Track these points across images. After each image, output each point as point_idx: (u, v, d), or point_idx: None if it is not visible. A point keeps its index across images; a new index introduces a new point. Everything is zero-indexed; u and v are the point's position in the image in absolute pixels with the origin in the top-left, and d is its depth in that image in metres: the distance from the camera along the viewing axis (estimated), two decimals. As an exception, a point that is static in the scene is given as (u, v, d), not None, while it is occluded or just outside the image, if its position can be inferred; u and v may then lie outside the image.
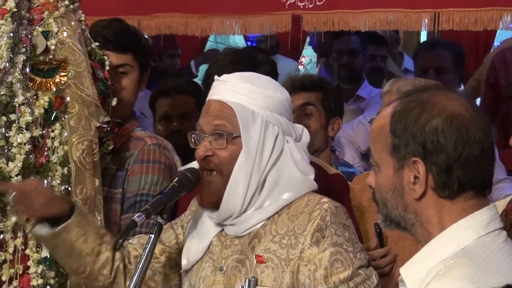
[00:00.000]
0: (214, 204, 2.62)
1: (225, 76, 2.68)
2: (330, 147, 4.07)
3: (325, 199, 2.60)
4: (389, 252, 3.48)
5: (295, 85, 3.96)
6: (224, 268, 2.62)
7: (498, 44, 6.66)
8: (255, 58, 3.21)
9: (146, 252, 2.49)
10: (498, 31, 5.68)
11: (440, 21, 4.33)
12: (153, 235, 2.50)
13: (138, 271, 2.47)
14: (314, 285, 2.52)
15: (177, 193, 2.60)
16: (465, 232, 1.95)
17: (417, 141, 1.95)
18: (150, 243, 2.50)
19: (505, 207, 2.72)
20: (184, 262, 2.71)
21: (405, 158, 1.97)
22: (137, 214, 2.47)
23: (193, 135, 2.66)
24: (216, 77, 2.71)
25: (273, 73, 3.22)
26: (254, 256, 2.59)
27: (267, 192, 2.62)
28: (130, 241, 2.79)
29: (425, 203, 1.98)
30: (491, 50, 6.84)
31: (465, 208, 1.97)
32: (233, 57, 3.26)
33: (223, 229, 2.68)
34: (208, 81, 3.03)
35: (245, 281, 2.56)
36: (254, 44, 6.82)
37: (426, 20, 4.41)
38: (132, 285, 2.44)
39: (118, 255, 2.72)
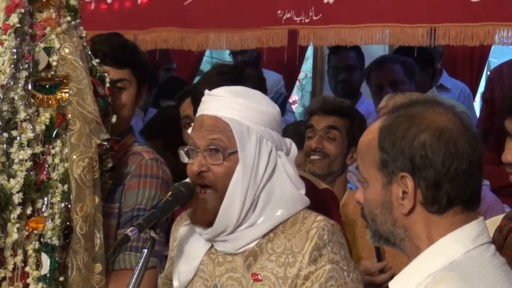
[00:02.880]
0: (208, 222, 2.61)
1: (216, 91, 2.67)
2: (346, 174, 4.08)
3: (321, 217, 2.60)
4: (387, 267, 3.48)
5: (325, 107, 4.00)
6: (219, 286, 2.61)
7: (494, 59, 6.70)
8: (241, 72, 3.21)
9: (139, 267, 2.49)
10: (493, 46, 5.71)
11: (437, 36, 4.34)
12: (146, 250, 2.50)
13: (131, 285, 2.46)
14: None
15: (170, 208, 2.59)
16: (454, 246, 1.96)
17: (406, 156, 1.96)
18: (143, 258, 2.50)
19: (499, 223, 2.73)
20: (175, 284, 2.69)
21: (394, 173, 1.98)
22: (130, 229, 2.47)
23: (184, 150, 2.65)
24: (206, 91, 2.70)
25: (260, 88, 3.20)
26: (250, 274, 2.57)
27: (261, 208, 2.61)
28: None
29: (414, 218, 1.98)
30: (486, 65, 6.88)
31: (454, 223, 1.97)
32: (220, 69, 3.25)
33: (212, 246, 2.66)
34: (195, 93, 3.03)
35: None
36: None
37: (423, 35, 4.41)
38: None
39: None
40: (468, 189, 1.97)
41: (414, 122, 1.98)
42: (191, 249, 2.70)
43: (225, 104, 2.61)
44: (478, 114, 6.27)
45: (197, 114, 2.67)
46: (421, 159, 1.94)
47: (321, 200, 3.31)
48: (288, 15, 4.78)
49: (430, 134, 1.95)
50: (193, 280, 2.67)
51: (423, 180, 1.95)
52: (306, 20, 4.72)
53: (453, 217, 1.97)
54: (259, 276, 2.56)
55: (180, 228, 2.74)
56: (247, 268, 2.59)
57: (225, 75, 3.10)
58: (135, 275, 2.47)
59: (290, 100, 7.08)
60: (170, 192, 2.59)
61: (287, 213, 2.61)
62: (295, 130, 4.67)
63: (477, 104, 7.08)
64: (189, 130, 2.72)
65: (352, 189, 4.14)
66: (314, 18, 4.70)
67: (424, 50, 5.46)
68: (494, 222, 2.75)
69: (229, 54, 6.87)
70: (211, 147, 2.58)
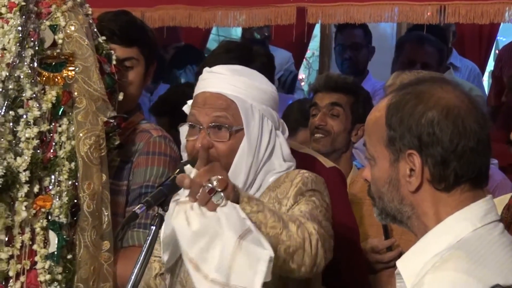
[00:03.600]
0: None
1: (217, 68, 2.68)
2: (351, 151, 4.07)
3: (305, 170, 2.66)
4: (394, 245, 3.48)
5: (329, 84, 3.98)
6: None
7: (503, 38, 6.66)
8: (250, 50, 3.20)
9: (148, 244, 2.48)
10: (501, 24, 5.68)
11: (446, 14, 4.33)
12: (154, 227, 2.49)
13: (139, 263, 2.46)
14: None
15: (178, 185, 2.58)
16: (461, 224, 1.95)
17: (413, 133, 1.95)
18: (151, 235, 2.49)
19: (507, 201, 2.73)
20: (165, 259, 2.67)
21: (401, 150, 1.97)
22: (138, 206, 2.46)
23: (185, 126, 2.65)
24: (206, 68, 2.71)
25: (269, 66, 3.21)
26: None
27: (258, 185, 2.66)
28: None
29: (421, 196, 1.98)
30: (494, 43, 6.84)
31: (462, 201, 1.97)
32: (228, 46, 3.25)
33: None
34: (202, 72, 3.03)
35: None
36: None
37: (432, 13, 4.40)
38: (132, 277, 2.44)
39: None
40: (476, 167, 1.97)
41: (421, 99, 1.97)
42: None
43: (227, 81, 2.63)
44: (487, 92, 6.24)
45: (198, 91, 2.67)
46: (429, 137, 1.94)
47: (328, 179, 3.31)
48: (297, -7, 4.77)
49: (438, 112, 1.94)
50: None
51: (431, 157, 1.94)
52: (315, -3, 4.72)
53: (461, 195, 1.97)
54: None
55: (171, 203, 2.72)
56: None
57: (233, 53, 3.10)
58: (143, 252, 2.46)
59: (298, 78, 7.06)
60: (178, 170, 2.58)
61: (277, 175, 2.68)
62: (298, 108, 4.66)
63: (485, 83, 7.06)
64: (185, 108, 2.71)
65: (358, 167, 4.13)
66: (323, -5, 4.69)
67: (438, 29, 5.45)
68: (503, 200, 2.74)
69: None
70: (215, 124, 2.59)
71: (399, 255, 3.40)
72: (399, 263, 2.01)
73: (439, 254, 1.91)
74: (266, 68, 3.07)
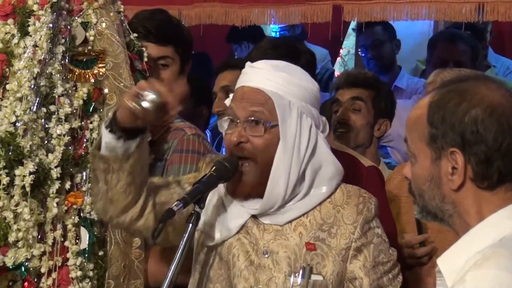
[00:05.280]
0: (247, 195, 2.62)
1: (258, 63, 2.68)
2: (376, 146, 4.04)
3: (363, 191, 2.70)
4: (427, 240, 3.45)
5: (349, 80, 4.00)
6: (269, 253, 2.61)
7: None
8: (296, 47, 3.20)
9: (184, 242, 2.48)
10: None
11: (485, 12, 4.28)
12: (191, 225, 2.50)
13: (176, 260, 2.46)
14: (365, 273, 2.61)
15: (215, 183, 2.59)
16: (504, 223, 1.93)
17: (456, 132, 1.93)
18: (188, 233, 2.49)
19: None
20: (217, 235, 2.67)
21: (443, 148, 1.95)
22: (175, 203, 2.47)
23: (224, 120, 2.66)
24: (248, 63, 2.71)
25: (313, 63, 3.21)
26: (304, 243, 2.60)
27: (309, 183, 2.64)
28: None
29: (464, 194, 1.96)
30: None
31: (505, 199, 1.95)
32: (275, 43, 3.25)
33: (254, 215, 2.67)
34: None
35: (300, 268, 2.58)
36: (283, 32, 6.83)
37: (470, 11, 4.35)
38: (170, 273, 2.43)
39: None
40: None
41: (465, 97, 1.95)
42: (234, 206, 2.68)
43: (267, 77, 2.62)
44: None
45: (238, 85, 2.68)
46: (472, 135, 1.92)
47: (367, 177, 3.30)
48: (333, -10, 4.75)
49: (482, 110, 1.92)
50: (234, 237, 2.66)
51: (474, 155, 1.92)
52: (351, -5, 4.69)
53: (505, 193, 1.94)
54: (314, 246, 2.60)
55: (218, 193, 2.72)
56: (299, 236, 2.61)
57: (279, 49, 3.10)
58: (180, 250, 2.47)
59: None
60: (214, 167, 2.59)
61: (330, 189, 2.67)
62: (331, 107, 4.64)
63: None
64: (227, 101, 2.72)
65: (391, 164, 4.10)
66: (360, -7, 4.67)
67: (475, 27, 5.39)
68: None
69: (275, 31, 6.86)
70: (252, 118, 2.59)
71: (432, 250, 3.40)
72: (439, 261, 1.99)
73: (481, 252, 1.89)
74: (310, 65, 3.08)
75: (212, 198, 2.68)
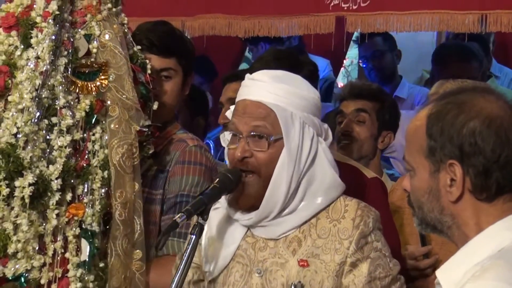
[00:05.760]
0: (250, 207, 2.62)
1: (258, 75, 2.67)
2: (379, 158, 4.04)
3: (362, 204, 2.64)
4: (431, 252, 3.45)
5: (354, 91, 3.99)
6: (262, 272, 2.60)
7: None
8: (298, 58, 3.20)
9: (188, 253, 2.49)
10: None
11: (488, 23, 4.28)
12: (194, 236, 2.50)
13: (179, 272, 2.47)
14: None
15: (218, 194, 2.59)
16: (503, 234, 1.93)
17: (454, 144, 1.93)
18: (191, 244, 2.50)
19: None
20: (210, 269, 2.68)
21: (441, 161, 1.95)
22: (178, 215, 2.48)
23: (226, 134, 2.65)
24: (247, 75, 2.70)
25: (315, 74, 3.22)
26: (297, 260, 2.58)
27: (302, 194, 2.63)
28: None
29: (462, 206, 1.96)
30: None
31: (504, 211, 1.95)
32: (277, 54, 3.25)
33: (247, 230, 2.67)
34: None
35: (290, 285, 2.56)
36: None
37: (473, 22, 4.36)
38: (173, 286, 2.44)
39: None
40: None
41: (463, 109, 1.95)
42: (226, 233, 2.69)
43: (268, 89, 2.61)
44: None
45: (239, 98, 2.67)
46: (470, 147, 1.92)
47: (370, 189, 3.30)
48: (336, 2, 4.77)
49: (480, 122, 1.93)
50: (228, 265, 2.67)
51: (472, 167, 1.92)
52: (354, 7, 4.71)
53: (503, 205, 1.95)
54: (306, 262, 2.58)
55: (212, 212, 2.73)
56: (292, 253, 2.60)
57: (282, 61, 3.10)
58: (183, 262, 2.48)
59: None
60: (218, 179, 2.59)
61: (326, 200, 2.64)
62: (334, 118, 4.65)
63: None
64: (228, 113, 2.72)
65: (393, 175, 4.10)
66: (362, 4, 4.68)
67: (480, 38, 5.37)
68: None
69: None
70: (255, 133, 2.59)
71: (435, 262, 3.39)
72: (438, 272, 1.99)
73: (479, 263, 1.89)
74: (312, 76, 3.08)
75: (208, 230, 2.69)
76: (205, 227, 2.67)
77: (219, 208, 2.69)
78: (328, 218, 2.62)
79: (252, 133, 2.59)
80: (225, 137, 2.67)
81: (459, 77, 5.16)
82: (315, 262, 2.57)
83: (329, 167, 2.65)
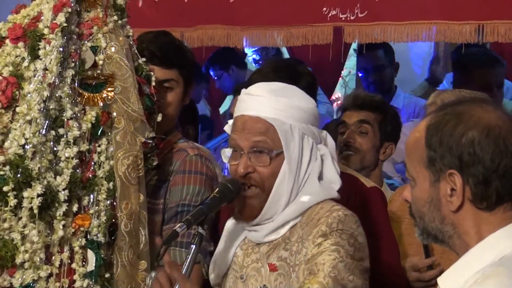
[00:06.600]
0: (254, 218, 2.65)
1: (254, 90, 2.68)
2: (381, 169, 4.06)
3: (337, 207, 2.60)
4: (435, 264, 3.46)
5: (356, 102, 3.99)
6: (245, 277, 2.65)
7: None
8: (296, 69, 3.22)
9: (188, 262, 2.51)
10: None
11: (485, 33, 4.30)
12: (194, 246, 2.52)
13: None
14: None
15: (218, 204, 2.62)
16: (504, 242, 1.95)
17: (453, 154, 1.95)
18: (191, 254, 2.52)
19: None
20: (211, 276, 2.76)
21: (441, 171, 1.97)
22: (178, 225, 2.49)
23: (226, 151, 2.67)
24: (244, 90, 2.71)
25: (314, 85, 3.23)
26: (267, 264, 2.62)
27: (294, 197, 2.65)
28: None
29: (463, 215, 1.98)
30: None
31: (504, 219, 1.97)
32: (276, 66, 3.26)
33: (245, 237, 2.71)
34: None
35: None
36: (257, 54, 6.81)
37: (470, 32, 4.37)
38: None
39: None
40: None
41: (461, 119, 1.97)
42: (229, 242, 2.74)
43: (266, 103, 2.63)
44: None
45: (237, 114, 2.68)
46: (470, 156, 1.94)
47: (369, 199, 3.31)
48: (334, 12, 4.77)
49: (478, 132, 1.95)
50: (227, 272, 2.73)
51: (472, 177, 1.94)
52: (352, 18, 4.71)
53: (503, 213, 1.97)
54: (275, 266, 2.60)
55: (228, 221, 2.75)
56: (267, 258, 2.63)
57: (280, 72, 3.11)
58: (184, 270, 2.49)
59: (333, 97, 7.05)
60: (218, 189, 2.61)
61: (312, 200, 2.63)
62: (334, 129, 4.66)
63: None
64: (227, 128, 2.73)
65: (393, 184, 4.12)
66: (360, 15, 4.69)
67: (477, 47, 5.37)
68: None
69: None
70: (256, 149, 2.61)
71: (440, 273, 3.39)
72: (440, 280, 2.01)
73: (480, 271, 1.91)
74: (311, 86, 3.09)
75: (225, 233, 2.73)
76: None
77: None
78: (300, 223, 2.63)
79: (253, 149, 2.61)
80: (226, 153, 2.69)
81: (484, 83, 5.15)
82: (283, 266, 2.59)
83: (317, 174, 2.66)
